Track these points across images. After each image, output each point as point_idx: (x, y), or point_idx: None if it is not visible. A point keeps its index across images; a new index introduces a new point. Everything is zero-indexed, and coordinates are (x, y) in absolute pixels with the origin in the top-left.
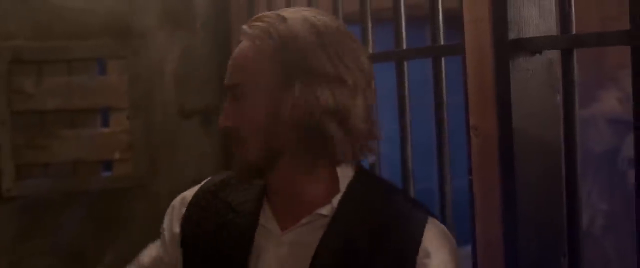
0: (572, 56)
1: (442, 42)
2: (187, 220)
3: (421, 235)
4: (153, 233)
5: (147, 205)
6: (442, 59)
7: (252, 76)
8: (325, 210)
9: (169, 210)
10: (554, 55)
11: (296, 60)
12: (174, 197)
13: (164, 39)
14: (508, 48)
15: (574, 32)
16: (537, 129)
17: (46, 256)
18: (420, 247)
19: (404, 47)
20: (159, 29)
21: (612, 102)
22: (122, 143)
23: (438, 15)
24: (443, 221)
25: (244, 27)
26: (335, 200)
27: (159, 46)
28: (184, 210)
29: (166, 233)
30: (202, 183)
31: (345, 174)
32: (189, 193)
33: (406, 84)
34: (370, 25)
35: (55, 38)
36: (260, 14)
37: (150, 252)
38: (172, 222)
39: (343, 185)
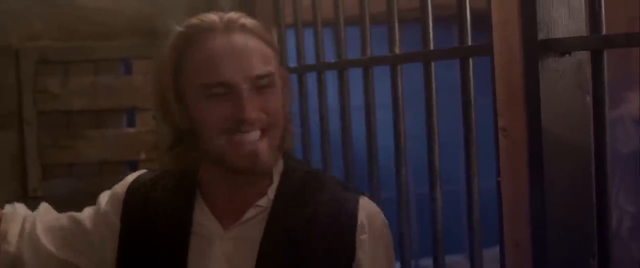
0: (603, 57)
1: (469, 43)
2: (125, 217)
3: (356, 212)
4: None
5: None
6: (470, 59)
7: (275, 66)
8: (263, 202)
9: (111, 194)
10: (583, 56)
11: (280, 59)
12: None
13: None
14: (537, 48)
15: (604, 32)
16: (566, 130)
17: None
18: (357, 224)
19: (431, 47)
20: None
21: (639, 103)
22: (148, 143)
23: (466, 15)
24: (470, 223)
25: (235, 21)
26: (271, 192)
27: None
28: (122, 204)
29: (102, 214)
30: (133, 179)
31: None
32: (127, 181)
33: (433, 85)
34: (397, 25)
35: (81, 38)
36: (225, 14)
37: (81, 215)
38: (113, 207)
39: (275, 175)
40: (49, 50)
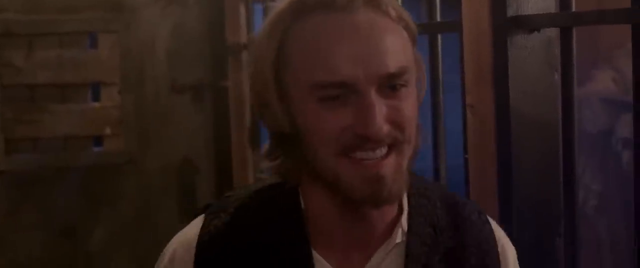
0: (572, 34)
1: (438, 19)
2: None
3: (492, 231)
4: (143, 209)
5: (137, 180)
6: (439, 36)
7: (411, 61)
8: (397, 237)
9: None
10: (552, 33)
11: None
12: (165, 172)
13: (156, 13)
14: (506, 25)
15: (573, 9)
16: (535, 107)
17: (36, 231)
18: (498, 249)
19: None
20: (151, 4)
21: (607, 82)
22: (113, 118)
23: None
24: None
25: None
26: (404, 221)
27: (151, 21)
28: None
29: None
30: (198, 238)
31: None
32: (192, 237)
33: None
34: None
35: (46, 11)
36: None
37: None
38: None
39: (404, 199)
40: (12, 23)
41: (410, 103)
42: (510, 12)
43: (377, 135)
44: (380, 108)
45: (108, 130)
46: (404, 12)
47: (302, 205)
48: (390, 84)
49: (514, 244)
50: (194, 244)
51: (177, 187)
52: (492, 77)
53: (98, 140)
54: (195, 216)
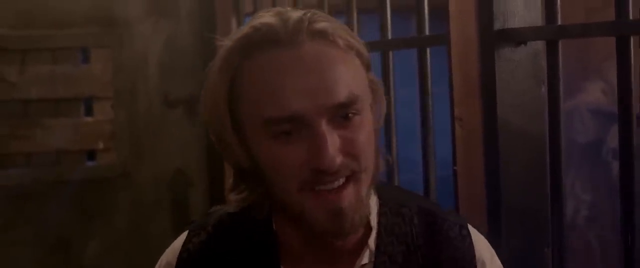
0: (557, 47)
1: (427, 33)
2: None
3: (472, 247)
4: (136, 222)
5: (130, 194)
6: (427, 49)
7: (364, 82)
8: (364, 259)
9: None
10: (539, 46)
11: (368, 64)
12: (158, 185)
13: (148, 28)
14: (493, 38)
15: (559, 23)
16: (522, 119)
17: (29, 245)
18: (477, 264)
19: (389, 37)
20: (144, 18)
21: (596, 93)
22: (106, 132)
23: (424, 5)
24: None
25: (304, 24)
26: (372, 242)
27: (144, 35)
28: None
29: None
30: (179, 252)
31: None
32: (175, 252)
33: (391, 74)
34: (355, 15)
35: (39, 27)
36: (308, 11)
37: None
38: None
39: (372, 216)
40: (5, 39)
41: (364, 131)
42: (497, 26)
43: (331, 167)
44: (332, 139)
45: (101, 145)
46: (354, 39)
47: (274, 228)
48: (342, 114)
49: (502, 254)
50: (174, 262)
51: (170, 199)
52: (480, 89)
53: (91, 155)
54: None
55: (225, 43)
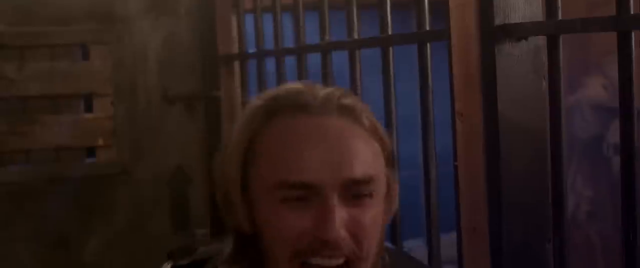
0: (558, 42)
1: (427, 28)
2: None
3: None
4: (136, 219)
5: (130, 191)
6: (428, 44)
7: (381, 169)
8: None
9: None
10: (539, 41)
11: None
12: (158, 182)
13: (147, 24)
14: (494, 33)
15: (560, 18)
16: (523, 115)
17: (29, 242)
18: None
19: (389, 32)
20: (143, 15)
21: (597, 88)
22: (106, 129)
23: (423, 0)
24: (427, 208)
25: (334, 98)
26: None
27: (143, 32)
28: None
29: None
30: None
31: None
32: None
33: (391, 70)
34: (355, 11)
35: (38, 23)
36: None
37: None
38: None
39: None
40: (4, 35)
41: (372, 215)
42: (498, 21)
43: (335, 240)
44: (340, 213)
45: (100, 141)
46: (380, 127)
47: None
48: (354, 192)
49: (503, 250)
50: None
51: (170, 197)
52: (480, 84)
53: (90, 151)
54: (168, 257)
55: (254, 101)
